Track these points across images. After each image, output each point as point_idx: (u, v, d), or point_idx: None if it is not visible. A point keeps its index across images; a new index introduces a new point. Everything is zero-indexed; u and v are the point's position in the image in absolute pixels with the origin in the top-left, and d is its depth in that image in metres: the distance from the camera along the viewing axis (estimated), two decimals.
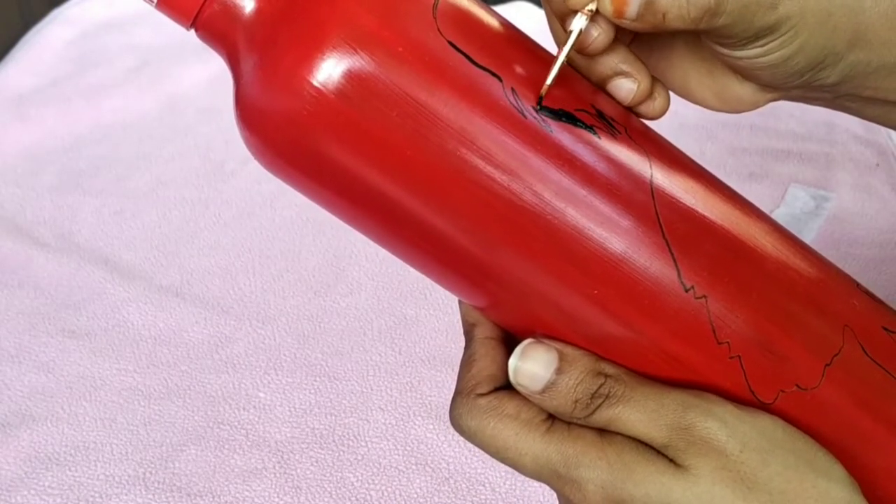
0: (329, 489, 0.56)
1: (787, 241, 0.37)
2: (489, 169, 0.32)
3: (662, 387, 0.35)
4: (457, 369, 0.38)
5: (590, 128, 0.33)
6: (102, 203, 0.79)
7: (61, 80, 0.94)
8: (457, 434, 0.36)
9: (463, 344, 0.38)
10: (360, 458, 0.58)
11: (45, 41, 1.00)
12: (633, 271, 0.33)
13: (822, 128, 0.84)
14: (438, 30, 0.32)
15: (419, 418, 0.60)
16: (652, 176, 0.34)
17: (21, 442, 0.59)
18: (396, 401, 0.61)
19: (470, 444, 0.36)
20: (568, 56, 0.34)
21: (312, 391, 0.62)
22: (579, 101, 0.34)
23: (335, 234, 0.74)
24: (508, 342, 0.37)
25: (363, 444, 0.59)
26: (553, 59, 0.35)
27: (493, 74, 0.32)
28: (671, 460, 0.34)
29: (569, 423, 0.35)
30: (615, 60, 0.35)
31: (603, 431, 0.35)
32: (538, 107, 0.33)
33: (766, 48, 0.34)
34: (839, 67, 0.36)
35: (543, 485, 0.36)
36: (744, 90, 0.38)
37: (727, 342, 0.34)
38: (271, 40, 0.32)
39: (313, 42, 0.31)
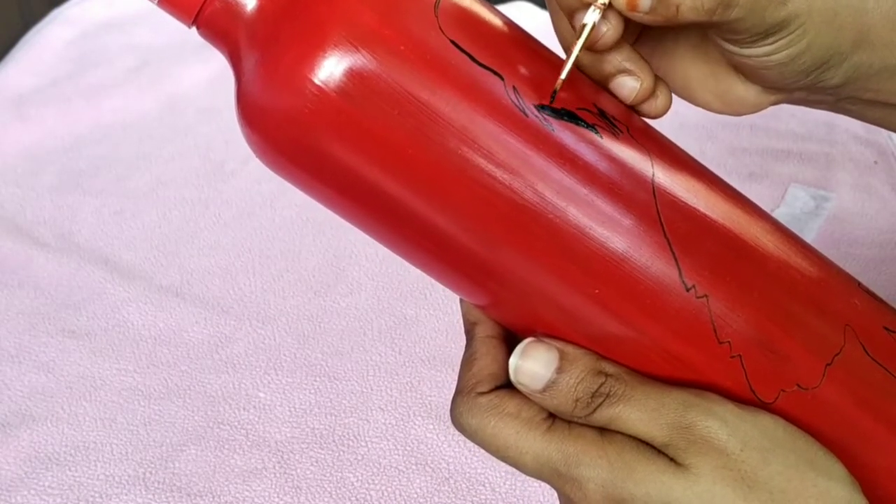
0: (329, 489, 0.56)
1: (789, 240, 0.37)
2: (491, 167, 0.32)
3: (663, 386, 0.35)
4: (457, 369, 0.38)
5: (591, 127, 0.33)
6: (102, 203, 0.79)
7: (61, 80, 0.94)
8: (457, 434, 0.36)
9: (463, 343, 0.38)
10: (360, 458, 0.58)
11: (45, 41, 1.00)
12: (634, 270, 0.33)
13: (822, 128, 0.84)
14: (440, 28, 0.32)
15: (419, 418, 0.60)
16: (653, 175, 0.34)
17: (21, 442, 0.59)
18: (396, 401, 0.61)
19: (470, 444, 0.36)
20: (568, 50, 0.34)
21: (312, 391, 0.62)
22: (581, 99, 0.34)
23: (335, 234, 0.74)
24: (509, 341, 0.37)
25: (363, 444, 0.58)
26: (558, 59, 0.35)
27: (495, 73, 0.32)
28: (672, 459, 0.34)
29: (569, 422, 0.35)
30: (618, 58, 0.35)
31: (603, 430, 0.35)
32: (551, 102, 0.33)
33: (774, 46, 0.34)
34: (843, 68, 0.36)
35: (543, 484, 0.36)
36: (747, 92, 0.38)
37: (728, 341, 0.34)
38: (273, 38, 0.32)
39: (315, 40, 0.31)
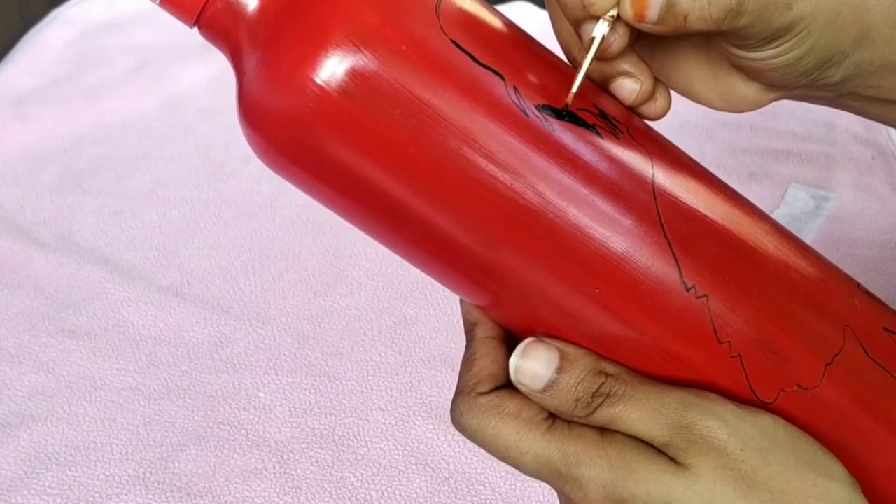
0: (329, 489, 0.56)
1: (788, 241, 0.37)
2: (491, 167, 0.32)
3: (663, 386, 0.35)
4: (457, 369, 0.38)
5: (592, 127, 0.33)
6: (102, 203, 0.79)
7: (61, 80, 0.94)
8: (457, 434, 0.36)
9: (463, 344, 0.38)
10: (360, 458, 0.58)
11: (45, 41, 1.00)
12: (634, 270, 0.33)
13: (822, 128, 0.84)
14: (441, 28, 0.32)
15: (419, 418, 0.60)
16: (654, 176, 0.34)
17: (21, 442, 0.59)
18: (396, 401, 0.61)
19: (470, 444, 0.36)
20: (568, 52, 0.34)
21: (312, 391, 0.62)
22: (582, 100, 0.34)
23: (335, 234, 0.74)
24: (509, 341, 0.37)
25: (363, 444, 0.59)
26: (558, 59, 0.35)
27: (496, 73, 0.32)
28: (672, 459, 0.34)
29: (570, 422, 0.35)
30: (618, 61, 0.35)
31: (604, 430, 0.35)
32: (559, 113, 0.33)
33: (780, 49, 0.35)
34: (844, 66, 0.36)
35: (543, 484, 0.36)
36: (748, 90, 0.38)
37: (728, 341, 0.34)
38: (274, 38, 0.32)
39: (316, 40, 0.31)
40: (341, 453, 0.58)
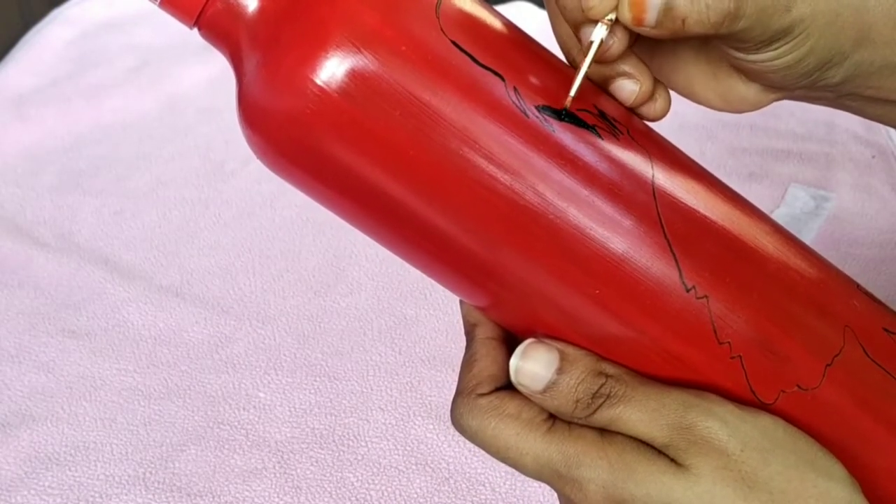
0: (329, 489, 0.56)
1: (788, 242, 0.37)
2: (491, 168, 0.32)
3: (663, 386, 0.35)
4: (457, 369, 0.38)
5: (592, 128, 0.33)
6: (102, 203, 0.79)
7: (61, 80, 0.94)
8: (457, 434, 0.36)
9: (463, 344, 0.38)
10: (360, 458, 0.58)
11: (45, 41, 1.00)
12: (634, 271, 0.33)
13: (822, 128, 0.84)
14: (441, 29, 0.32)
15: (419, 418, 0.60)
16: (654, 176, 0.34)
17: (21, 442, 0.59)
18: (396, 401, 0.61)
19: (470, 444, 0.36)
20: (567, 53, 0.34)
21: (312, 391, 0.62)
22: (582, 101, 0.34)
23: (335, 234, 0.74)
24: (509, 342, 0.37)
25: (363, 444, 0.59)
26: (558, 60, 0.35)
27: (496, 74, 0.32)
28: (672, 460, 0.34)
29: (570, 423, 0.35)
30: (618, 62, 0.35)
31: (604, 431, 0.35)
32: (559, 115, 0.33)
33: (779, 51, 0.35)
34: (844, 67, 0.36)
35: (543, 485, 0.36)
36: (748, 91, 0.38)
37: (728, 342, 0.34)
38: (274, 39, 0.32)
39: (316, 41, 0.31)
40: (341, 453, 0.58)
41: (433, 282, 0.36)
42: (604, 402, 0.34)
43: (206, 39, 0.34)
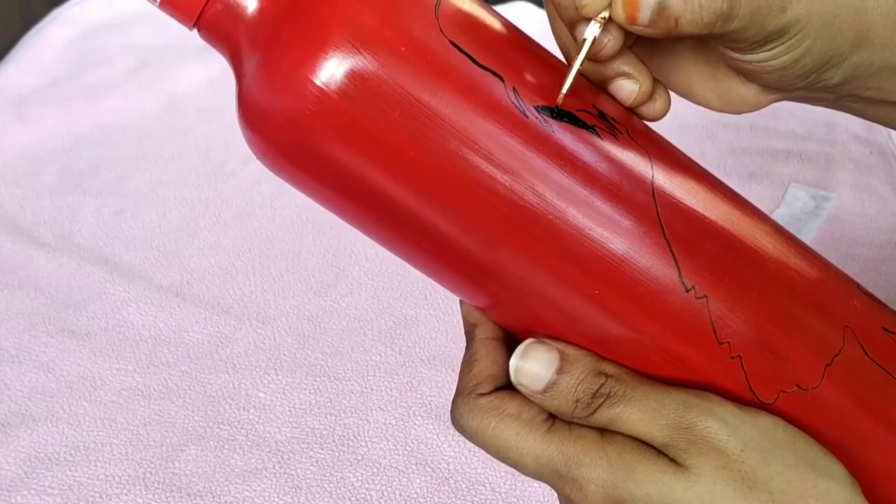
0: (329, 489, 0.56)
1: (788, 241, 0.37)
2: (491, 169, 0.32)
3: (663, 386, 0.35)
4: (457, 369, 0.38)
5: (591, 128, 0.33)
6: (102, 203, 0.79)
7: (61, 80, 0.94)
8: (457, 434, 0.36)
9: (463, 344, 0.38)
10: (360, 458, 0.58)
11: (45, 41, 1.00)
12: (634, 271, 0.33)
13: (822, 128, 0.84)
14: (440, 30, 0.32)
15: (419, 418, 0.60)
16: (653, 176, 0.34)
17: (21, 442, 0.59)
18: (396, 401, 0.61)
19: (470, 444, 0.36)
20: (567, 53, 0.34)
21: (312, 391, 0.62)
22: (581, 101, 0.34)
23: (335, 234, 0.74)
24: (509, 342, 0.37)
25: (363, 444, 0.59)
26: (557, 61, 0.35)
27: (495, 74, 0.32)
28: (672, 460, 0.34)
29: (570, 423, 0.35)
30: (617, 62, 0.35)
31: (604, 431, 0.35)
32: (552, 113, 0.33)
33: (775, 51, 0.35)
34: (843, 68, 0.36)
35: (543, 485, 0.36)
36: (747, 91, 0.38)
37: (728, 342, 0.34)
38: (274, 40, 0.32)
39: (316, 41, 0.31)
40: (341, 453, 0.58)
41: (433, 282, 0.36)
42: (604, 401, 0.34)
43: (206, 40, 0.34)
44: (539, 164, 0.32)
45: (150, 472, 0.57)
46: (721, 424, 0.34)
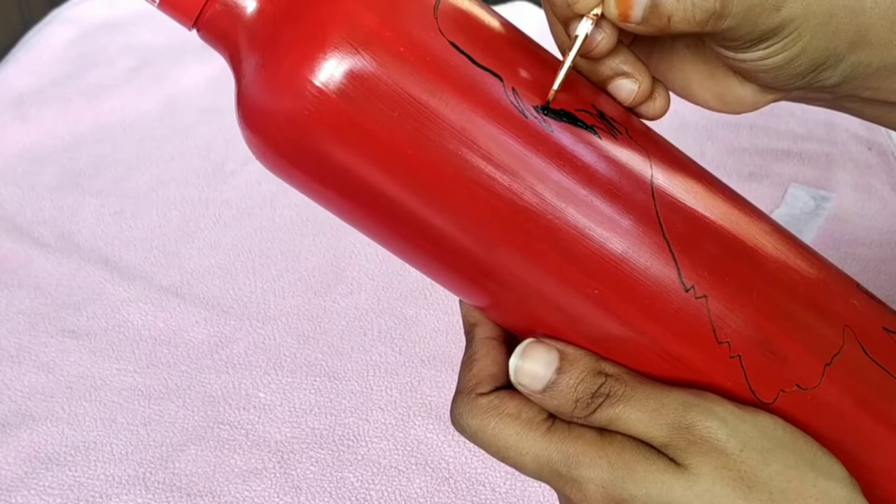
0: (329, 489, 0.56)
1: (788, 241, 0.37)
2: (490, 169, 0.32)
3: (663, 386, 0.35)
4: (457, 369, 0.38)
5: (590, 128, 0.33)
6: (102, 203, 0.79)
7: (61, 80, 0.94)
8: (457, 434, 0.36)
9: (463, 344, 0.38)
10: (360, 458, 0.58)
11: (45, 41, 1.00)
12: (633, 271, 0.33)
13: (822, 128, 0.84)
14: (439, 30, 0.32)
15: (419, 418, 0.60)
16: (652, 176, 0.34)
17: (21, 442, 0.59)
18: (396, 401, 0.61)
19: (470, 444, 0.36)
20: (566, 53, 0.34)
21: (312, 391, 0.62)
22: (580, 101, 0.34)
23: (335, 234, 0.74)
24: (509, 342, 0.37)
25: (363, 444, 0.59)
26: (556, 61, 0.35)
27: (494, 75, 0.32)
28: (672, 459, 0.34)
29: (569, 423, 0.35)
30: (616, 61, 0.35)
31: (603, 431, 0.35)
32: (545, 110, 0.33)
33: (769, 50, 0.35)
34: (840, 68, 0.36)
35: (543, 485, 0.36)
36: (745, 91, 0.38)
37: (727, 342, 0.34)
38: (273, 40, 0.32)
39: (315, 42, 0.31)
40: (341, 453, 0.58)
41: (433, 282, 0.36)
42: (603, 401, 0.34)
43: (205, 41, 0.34)
44: (538, 163, 0.32)
45: (150, 472, 0.57)
46: (720, 424, 0.34)
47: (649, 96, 0.36)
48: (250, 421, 0.60)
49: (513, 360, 0.35)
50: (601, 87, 0.36)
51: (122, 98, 0.92)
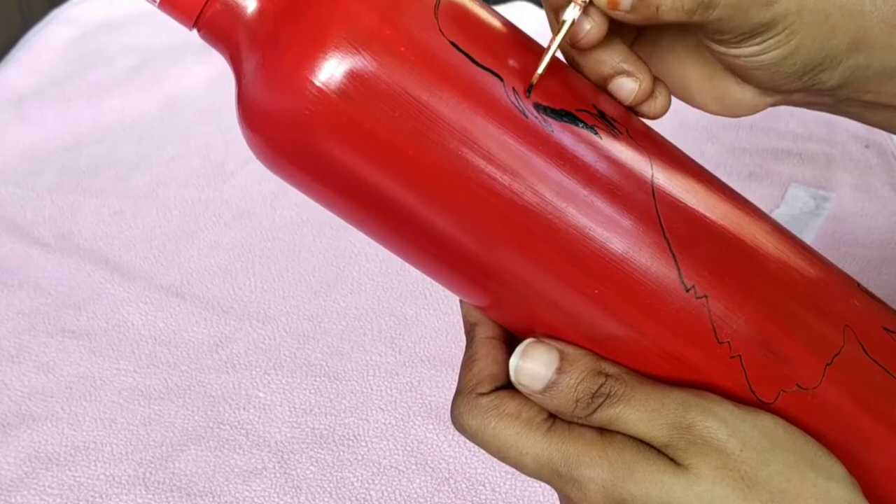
0: (329, 489, 0.56)
1: (788, 241, 0.37)
2: (490, 168, 0.32)
3: (663, 386, 0.35)
4: (457, 369, 0.38)
5: (591, 128, 0.33)
6: (102, 203, 0.79)
7: (61, 80, 0.94)
8: (457, 434, 0.36)
9: (463, 344, 0.38)
10: (360, 458, 0.58)
11: (45, 41, 1.00)
12: (633, 271, 0.33)
13: (822, 128, 0.84)
14: (440, 30, 0.32)
15: (419, 418, 0.60)
16: (653, 176, 0.34)
17: (21, 442, 0.59)
18: (396, 401, 0.61)
19: (470, 444, 0.36)
20: (566, 52, 0.34)
21: (312, 391, 0.62)
22: (581, 101, 0.34)
23: (335, 234, 0.74)
24: (509, 342, 0.37)
25: (363, 444, 0.59)
26: (557, 60, 0.35)
27: (495, 74, 0.32)
28: (672, 460, 0.34)
29: (569, 423, 0.35)
30: (617, 59, 0.35)
31: (604, 431, 0.35)
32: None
33: (762, 46, 0.34)
34: (839, 70, 0.36)
35: (544, 485, 0.36)
36: (744, 94, 0.38)
37: (728, 342, 0.34)
38: (273, 39, 0.32)
39: (315, 41, 0.31)
40: (341, 453, 0.58)
41: (433, 282, 0.36)
42: (603, 401, 0.34)
43: (206, 40, 0.34)
44: (538, 163, 0.32)
45: (150, 472, 0.57)
46: (721, 424, 0.34)
47: (650, 95, 0.36)
48: (250, 421, 0.60)
49: (513, 360, 0.35)
50: (602, 86, 0.36)
51: (122, 98, 0.92)
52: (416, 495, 0.56)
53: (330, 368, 0.63)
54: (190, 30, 0.34)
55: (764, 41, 0.34)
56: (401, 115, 0.31)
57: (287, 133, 0.32)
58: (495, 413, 0.35)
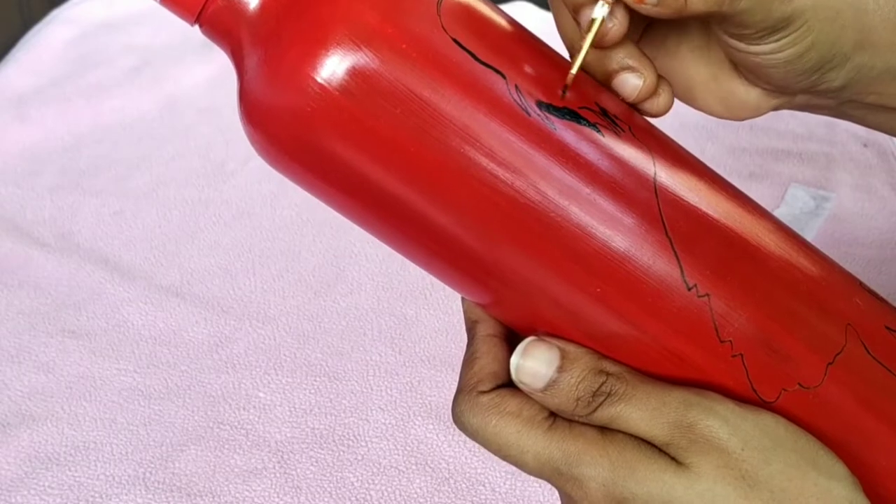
0: (329, 489, 0.56)
1: (790, 239, 0.37)
2: (492, 166, 0.32)
3: (664, 385, 0.35)
4: (457, 369, 0.37)
5: (593, 125, 0.33)
6: (102, 203, 0.79)
7: (61, 80, 0.94)
8: (457, 434, 0.36)
9: (464, 343, 0.38)
10: (360, 458, 0.58)
11: (45, 41, 1.00)
12: (635, 269, 0.33)
13: (822, 128, 0.84)
14: (442, 27, 0.32)
15: (419, 418, 0.60)
16: (655, 174, 0.34)
17: (21, 442, 0.59)
18: (396, 401, 0.61)
19: (470, 444, 0.36)
20: (570, 48, 0.34)
21: (312, 391, 0.62)
22: (583, 98, 0.34)
23: (335, 234, 0.74)
24: (511, 340, 0.37)
25: (363, 444, 0.58)
26: (559, 58, 0.35)
27: (497, 72, 0.32)
28: (673, 458, 0.34)
29: (570, 421, 0.35)
30: (621, 55, 0.35)
31: (604, 429, 0.35)
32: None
33: (780, 43, 0.34)
34: (845, 69, 0.36)
35: (544, 484, 0.36)
36: (748, 95, 0.38)
37: (730, 340, 0.34)
38: (275, 36, 0.32)
39: (317, 38, 0.31)
40: (341, 453, 0.58)
41: (433, 282, 0.36)
42: (604, 400, 0.34)
43: (208, 36, 0.34)
44: (541, 161, 0.32)
45: (150, 472, 0.57)
46: (722, 423, 0.34)
47: (654, 92, 0.36)
48: (250, 421, 0.60)
49: (514, 359, 0.35)
50: (606, 82, 0.36)
51: (122, 98, 0.92)
52: (416, 495, 0.56)
53: (330, 368, 0.63)
54: (192, 25, 0.34)
55: (783, 37, 0.34)
56: (403, 112, 0.31)
57: (289, 130, 0.32)
58: (496, 411, 0.35)
